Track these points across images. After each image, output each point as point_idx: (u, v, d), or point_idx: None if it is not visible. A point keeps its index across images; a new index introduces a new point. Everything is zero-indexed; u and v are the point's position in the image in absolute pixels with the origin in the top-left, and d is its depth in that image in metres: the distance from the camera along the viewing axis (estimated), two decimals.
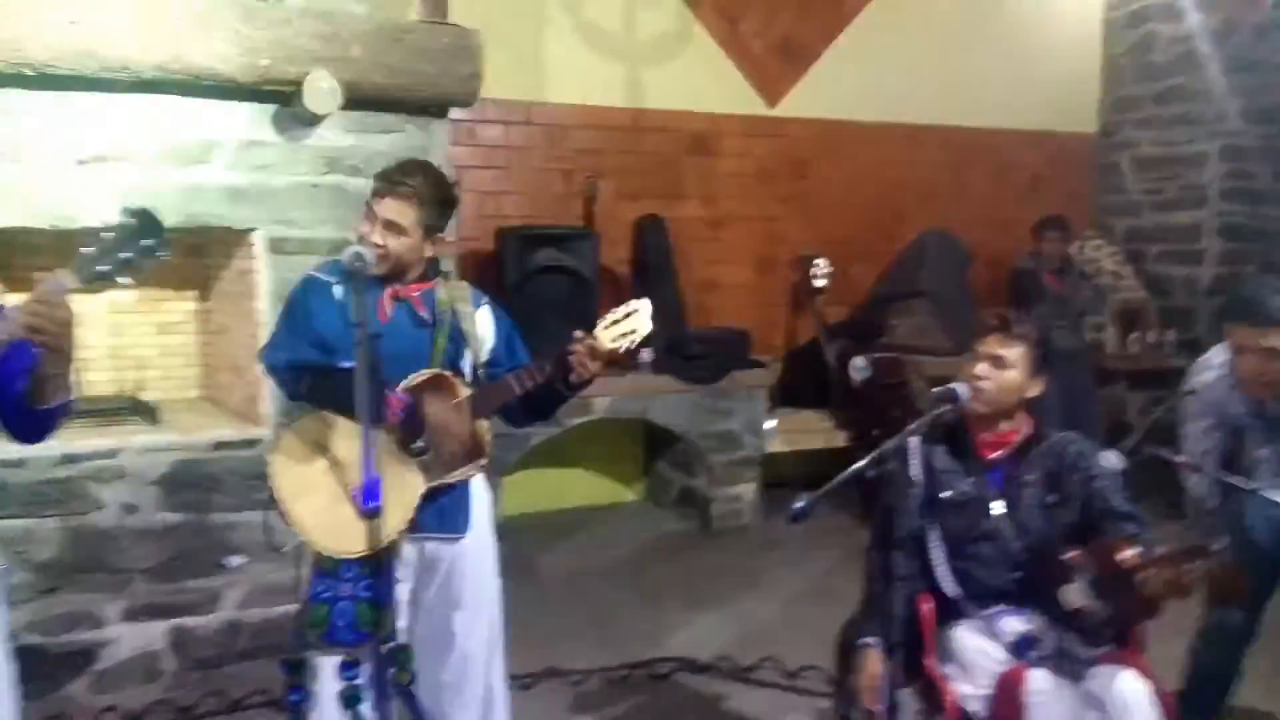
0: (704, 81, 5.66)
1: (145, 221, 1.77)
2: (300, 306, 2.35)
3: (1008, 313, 2.53)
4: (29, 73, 3.16)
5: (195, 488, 3.44)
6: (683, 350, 5.08)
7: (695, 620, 4.05)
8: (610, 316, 2.33)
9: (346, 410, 2.22)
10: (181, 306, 3.98)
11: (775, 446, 5.33)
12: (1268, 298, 2.54)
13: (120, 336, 3.93)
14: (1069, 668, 2.31)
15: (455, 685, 2.47)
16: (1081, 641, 2.34)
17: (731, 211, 5.85)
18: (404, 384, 2.29)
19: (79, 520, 3.28)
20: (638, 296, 2.36)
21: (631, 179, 5.54)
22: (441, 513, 2.35)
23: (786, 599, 4.32)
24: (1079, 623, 2.34)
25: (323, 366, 2.29)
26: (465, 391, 2.33)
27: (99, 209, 3.34)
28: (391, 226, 2.29)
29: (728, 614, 4.14)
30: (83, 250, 1.75)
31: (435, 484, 2.31)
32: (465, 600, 2.44)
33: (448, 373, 2.34)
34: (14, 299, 1.83)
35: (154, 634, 3.40)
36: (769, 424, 5.26)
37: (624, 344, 2.31)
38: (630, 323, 2.32)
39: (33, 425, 1.93)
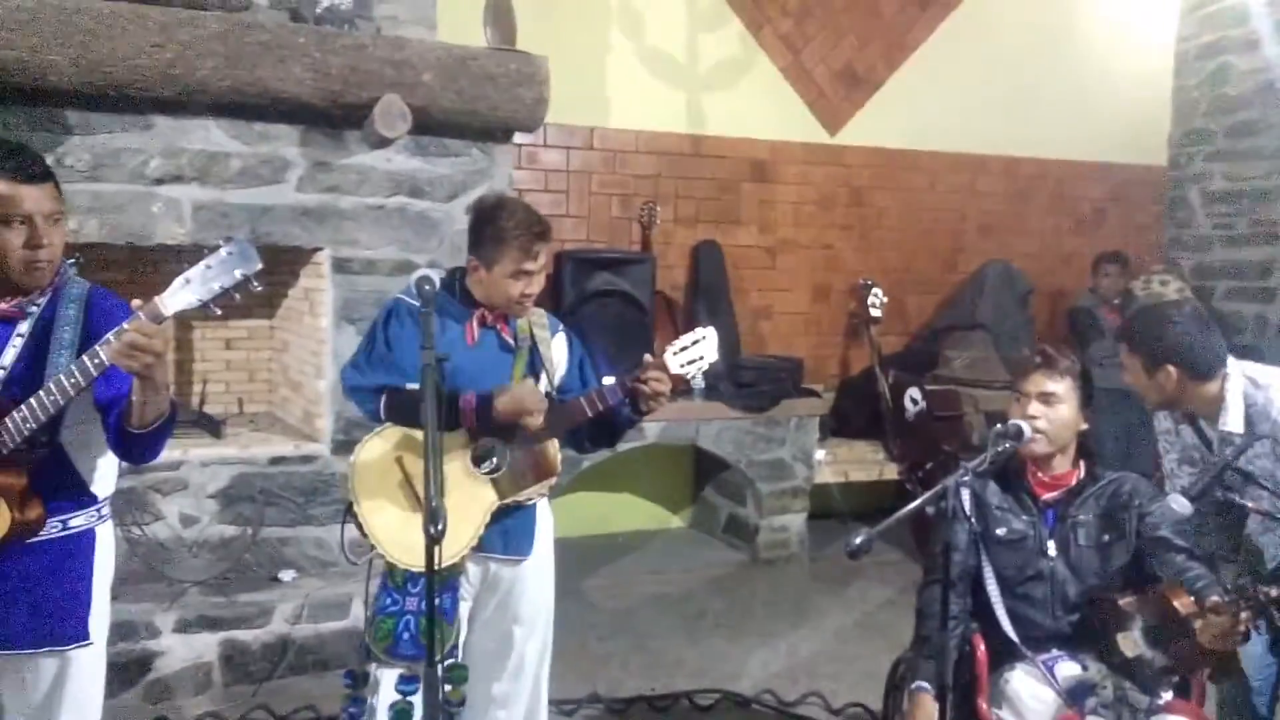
0: (765, 109, 5.68)
1: (242, 252, 1.81)
2: (383, 330, 2.41)
3: (1049, 348, 2.50)
4: (112, 94, 3.28)
5: (252, 502, 3.52)
6: (736, 377, 5.05)
7: (740, 651, 4.01)
8: (678, 343, 2.38)
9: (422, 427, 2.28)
10: (247, 323, 4.08)
11: (826, 477, 5.27)
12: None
13: (187, 351, 4.04)
14: (1128, 717, 2.25)
15: (504, 698, 2.52)
16: (1140, 690, 2.28)
17: (789, 239, 5.84)
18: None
19: (139, 531, 3.37)
20: (693, 322, 2.38)
21: (690, 205, 5.57)
22: (507, 534, 2.40)
23: (833, 633, 4.26)
24: (1136, 671, 2.28)
25: (401, 388, 2.33)
26: (540, 410, 2.35)
27: (174, 227, 3.45)
28: (544, 270, 2.42)
29: (773, 646, 4.10)
30: (179, 279, 1.78)
31: (505, 502, 2.35)
32: (523, 616, 2.50)
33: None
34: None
35: (206, 646, 3.46)
36: (820, 454, 5.21)
37: (690, 370, 2.37)
38: (697, 350, 2.37)
39: (135, 448, 1.97)
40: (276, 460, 3.54)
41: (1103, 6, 6.37)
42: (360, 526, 2.29)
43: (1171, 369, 2.42)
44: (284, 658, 3.53)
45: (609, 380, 2.39)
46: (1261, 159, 6.28)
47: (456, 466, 2.30)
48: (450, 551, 2.21)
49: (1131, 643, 2.25)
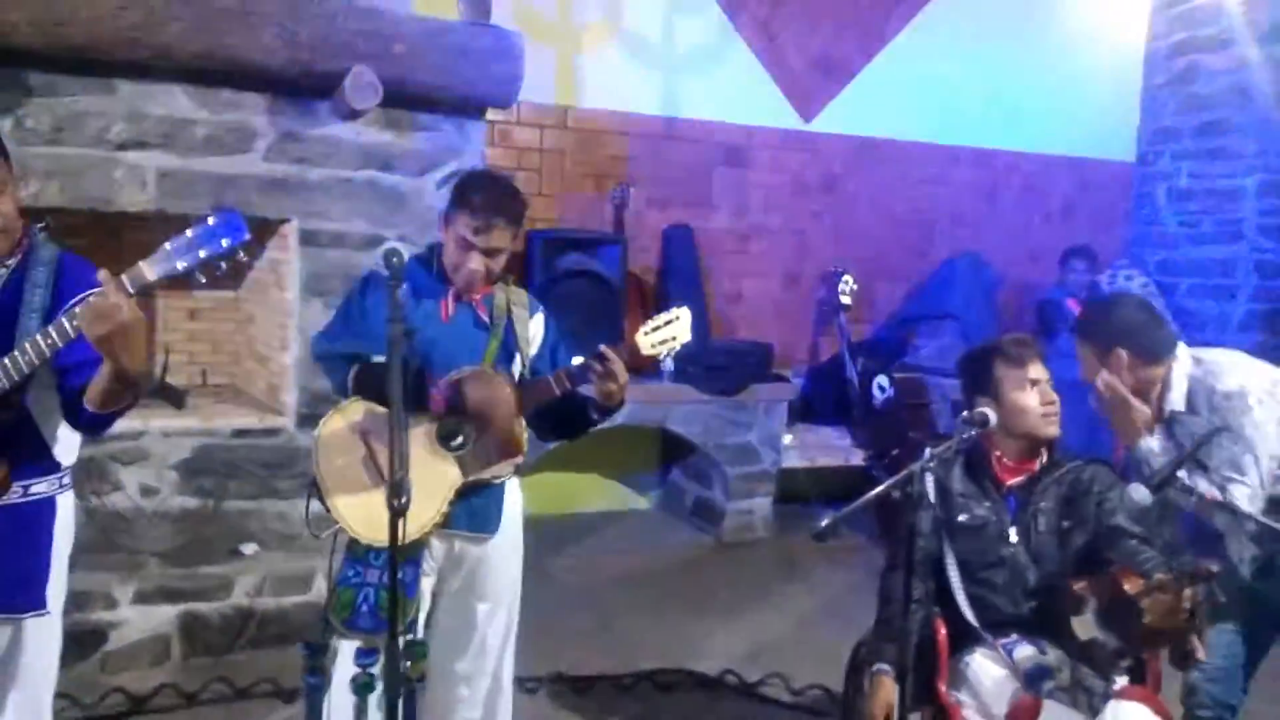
0: (740, 93, 5.67)
1: (228, 222, 1.80)
2: (359, 301, 2.39)
3: (1028, 337, 2.57)
4: (74, 56, 3.20)
5: (214, 474, 3.47)
6: (705, 361, 5.06)
7: (703, 632, 4.04)
8: (651, 324, 2.35)
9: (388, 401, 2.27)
10: (212, 294, 4.02)
11: (792, 462, 5.30)
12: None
13: (150, 320, 3.96)
14: (1084, 701, 2.29)
15: (468, 676, 2.50)
16: (1097, 674, 2.32)
17: (760, 224, 5.85)
18: (449, 377, 2.32)
19: (98, 500, 3.31)
20: (663, 305, 2.36)
21: (662, 188, 5.55)
22: (473, 512, 2.38)
23: (796, 616, 4.30)
24: (1092, 655, 2.32)
25: (370, 359, 2.32)
26: (507, 388, 2.34)
27: (138, 194, 3.39)
28: (496, 253, 2.36)
29: (736, 628, 4.12)
30: (164, 246, 1.77)
31: (471, 480, 2.33)
32: (488, 594, 2.48)
33: (491, 369, 2.36)
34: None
35: (164, 618, 3.42)
36: (787, 438, 5.24)
37: (663, 350, 2.34)
38: (670, 330, 2.34)
39: (85, 421, 1.95)
40: (240, 433, 3.50)
41: (1076, 2, 6.42)
42: (323, 500, 2.27)
43: (1122, 352, 2.50)
44: (244, 631, 3.50)
45: (578, 361, 2.38)
46: (1228, 159, 6.36)
47: (422, 443, 2.28)
48: (413, 527, 2.18)
49: (1085, 626, 2.29)
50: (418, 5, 3.97)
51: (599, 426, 2.50)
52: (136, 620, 3.37)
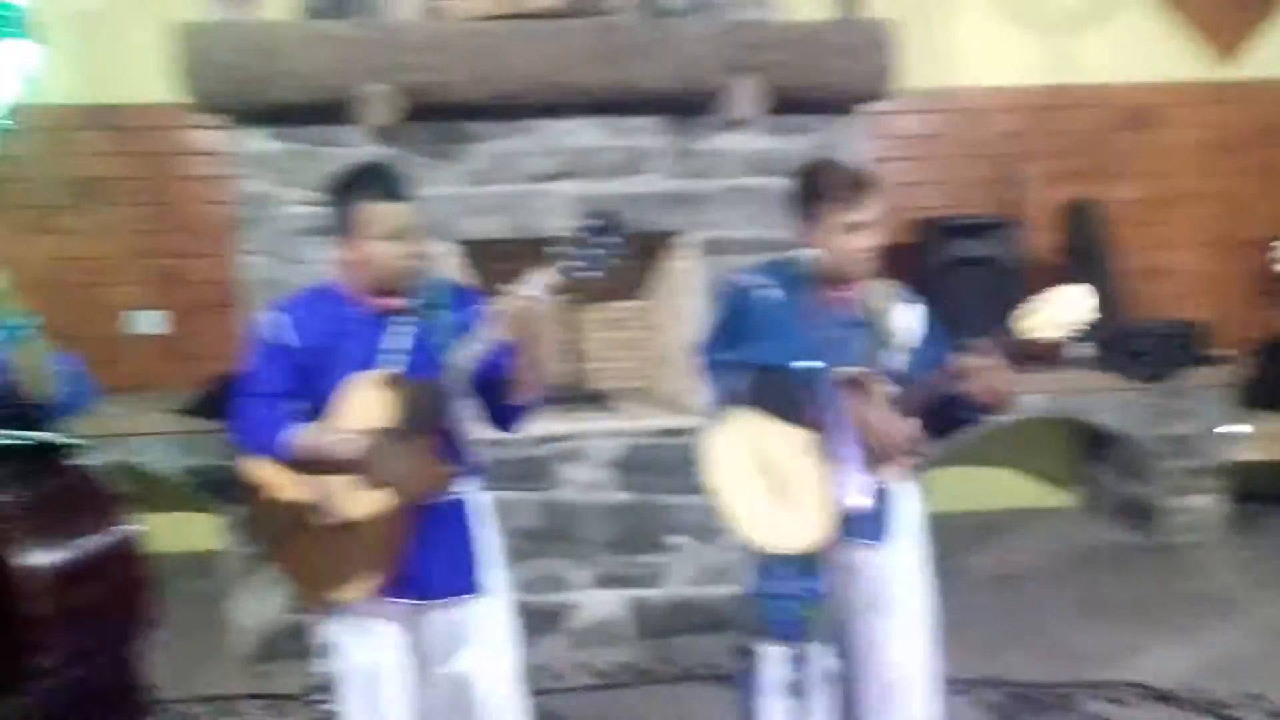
0: (1140, 46, 5.13)
1: (610, 222, 1.97)
2: (733, 308, 2.44)
3: None
4: (503, 103, 3.63)
5: (644, 470, 3.75)
6: (1124, 345, 4.61)
7: (1149, 643, 3.63)
8: (1031, 306, 2.10)
9: (779, 409, 2.29)
10: (624, 304, 4.34)
11: (1247, 455, 4.64)
12: None
13: (575, 331, 4.36)
14: None
15: (883, 692, 2.41)
16: None
17: (1178, 189, 5.21)
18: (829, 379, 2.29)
19: (547, 495, 3.71)
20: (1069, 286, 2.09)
21: (1058, 161, 5.14)
22: (866, 518, 2.30)
23: (1268, 629, 3.73)
24: None
25: (756, 367, 2.34)
26: (886, 389, 2.26)
27: (559, 220, 3.75)
28: (876, 224, 2.32)
29: (1190, 640, 3.67)
30: (558, 250, 1.98)
31: None
32: (895, 606, 2.39)
33: (870, 370, 2.29)
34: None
35: (614, 601, 3.75)
36: (1239, 429, 4.60)
37: (1053, 334, 2.08)
38: (1057, 311, 2.06)
39: (501, 415, 2.23)
40: (664, 432, 3.74)
41: None
42: (720, 508, 2.33)
43: None
44: (682, 616, 3.74)
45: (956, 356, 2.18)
46: None
47: (810, 449, 2.25)
48: (814, 535, 2.19)
49: None
50: (790, 10, 4.02)
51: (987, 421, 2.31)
52: (590, 603, 3.74)
